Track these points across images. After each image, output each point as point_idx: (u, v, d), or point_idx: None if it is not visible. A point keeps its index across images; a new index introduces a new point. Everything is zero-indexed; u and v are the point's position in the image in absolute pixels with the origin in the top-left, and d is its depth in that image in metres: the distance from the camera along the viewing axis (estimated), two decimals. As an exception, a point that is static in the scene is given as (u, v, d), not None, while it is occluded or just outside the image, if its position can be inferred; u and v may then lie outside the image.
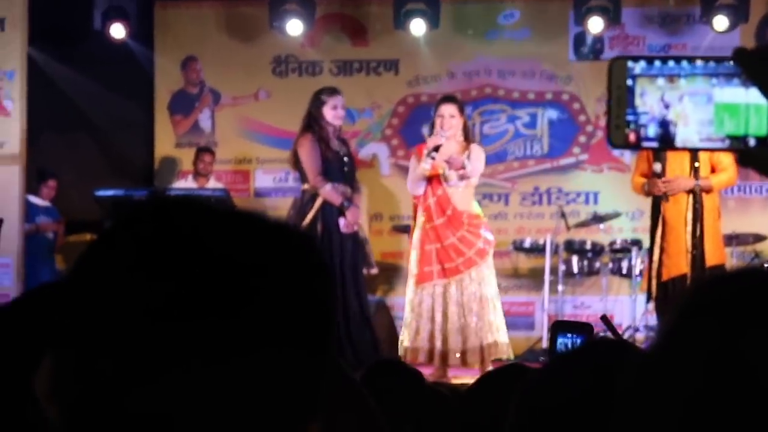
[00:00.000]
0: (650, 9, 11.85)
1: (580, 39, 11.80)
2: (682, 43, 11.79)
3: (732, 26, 11.17)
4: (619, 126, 1.29)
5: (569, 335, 1.85)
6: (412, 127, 11.98)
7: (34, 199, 11.01)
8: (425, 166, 8.48)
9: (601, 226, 10.88)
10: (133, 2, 11.50)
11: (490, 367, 8.56)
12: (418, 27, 11.34)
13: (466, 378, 8.38)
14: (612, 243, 10.86)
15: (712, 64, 1.30)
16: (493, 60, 11.97)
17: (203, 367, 0.99)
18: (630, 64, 1.30)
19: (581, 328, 1.86)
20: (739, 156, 1.31)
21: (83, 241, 11.59)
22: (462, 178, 8.52)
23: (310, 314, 1.04)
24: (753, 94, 1.27)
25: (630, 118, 1.29)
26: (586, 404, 1.53)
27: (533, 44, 11.91)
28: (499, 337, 8.65)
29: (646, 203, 9.32)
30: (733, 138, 1.29)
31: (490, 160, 9.81)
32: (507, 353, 8.69)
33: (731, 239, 10.20)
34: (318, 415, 1.05)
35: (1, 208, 9.42)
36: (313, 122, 8.74)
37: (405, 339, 8.72)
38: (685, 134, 1.29)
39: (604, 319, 3.35)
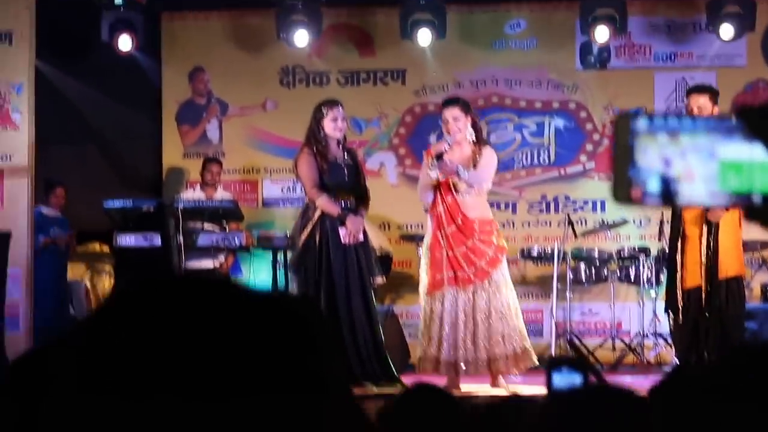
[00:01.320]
0: (656, 18, 11.85)
1: (586, 48, 11.78)
2: (688, 52, 11.80)
3: (738, 35, 11.17)
4: (623, 183, 1.30)
5: (564, 370, 1.86)
6: (419, 136, 12.00)
7: (45, 210, 11.04)
8: (432, 175, 8.40)
9: (609, 233, 10.87)
10: (140, 14, 11.51)
11: (516, 374, 8.45)
12: (424, 37, 11.36)
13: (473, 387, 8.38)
14: (620, 250, 10.85)
15: (714, 120, 1.31)
16: (499, 69, 11.98)
17: None
18: (632, 121, 1.32)
19: (577, 364, 1.87)
20: (744, 211, 1.32)
21: (92, 252, 11.62)
22: (469, 185, 8.42)
23: (299, 381, 1.06)
24: (757, 151, 1.29)
25: (632, 174, 1.30)
26: None
27: (540, 53, 11.92)
28: (527, 343, 8.43)
29: (654, 211, 9.31)
30: (737, 195, 1.30)
31: (497, 169, 9.75)
32: (533, 360, 8.45)
33: (739, 247, 10.18)
34: None
35: (11, 220, 9.45)
36: (311, 135, 8.68)
37: (419, 349, 8.61)
38: (689, 191, 1.30)
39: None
